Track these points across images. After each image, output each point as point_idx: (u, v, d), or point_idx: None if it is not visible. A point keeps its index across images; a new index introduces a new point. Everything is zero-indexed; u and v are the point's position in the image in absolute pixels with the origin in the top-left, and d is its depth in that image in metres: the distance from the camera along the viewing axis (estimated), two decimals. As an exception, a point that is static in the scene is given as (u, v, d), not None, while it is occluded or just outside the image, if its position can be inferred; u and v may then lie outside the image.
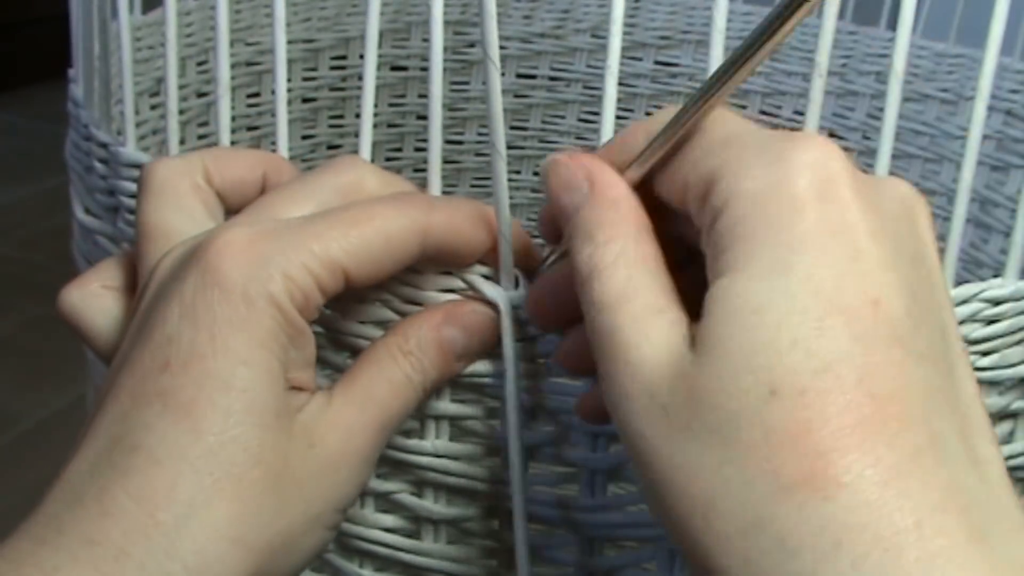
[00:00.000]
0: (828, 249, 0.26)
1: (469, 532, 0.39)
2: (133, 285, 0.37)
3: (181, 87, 0.73)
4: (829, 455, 0.25)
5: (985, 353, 0.36)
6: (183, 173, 0.36)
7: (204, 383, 0.30)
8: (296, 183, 0.36)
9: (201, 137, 0.77)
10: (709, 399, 0.26)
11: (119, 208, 0.45)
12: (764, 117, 0.92)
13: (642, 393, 0.28)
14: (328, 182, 0.35)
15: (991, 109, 0.78)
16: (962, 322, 0.35)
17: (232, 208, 0.37)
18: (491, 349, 0.36)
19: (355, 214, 0.33)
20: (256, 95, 0.83)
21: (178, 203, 0.36)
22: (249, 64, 0.82)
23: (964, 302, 0.35)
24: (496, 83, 0.32)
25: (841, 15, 0.87)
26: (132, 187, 0.44)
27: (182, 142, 0.72)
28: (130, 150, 0.44)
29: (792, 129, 0.29)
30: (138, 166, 0.43)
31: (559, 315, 0.34)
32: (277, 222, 0.33)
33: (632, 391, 0.28)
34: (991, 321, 0.36)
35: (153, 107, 0.68)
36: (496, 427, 0.37)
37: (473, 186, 0.99)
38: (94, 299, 0.36)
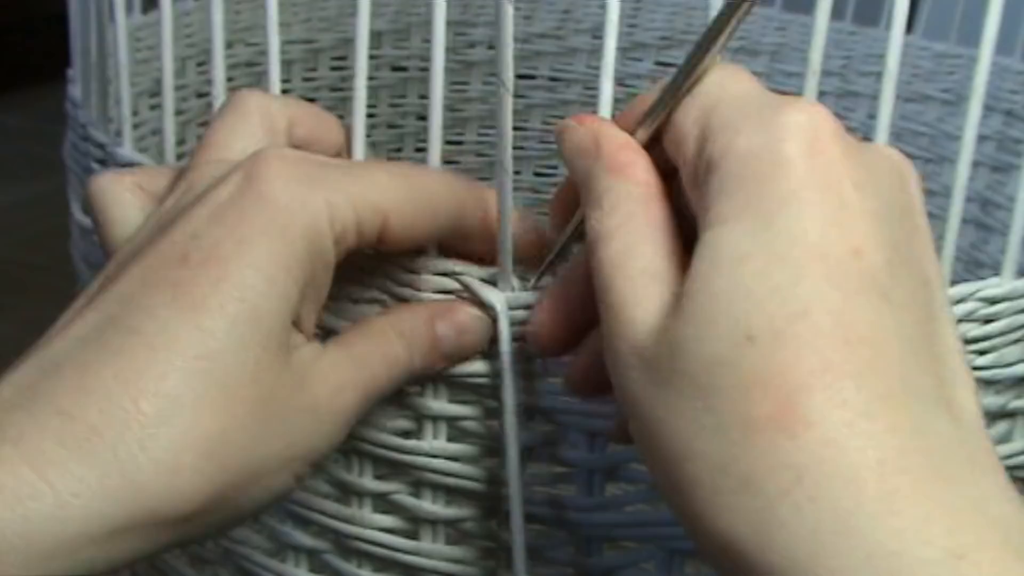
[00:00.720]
0: (814, 201, 0.27)
1: (467, 532, 0.39)
2: None
3: (181, 87, 0.73)
4: (797, 396, 0.25)
5: (982, 352, 0.36)
6: (268, 112, 0.36)
7: (220, 285, 0.29)
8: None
9: (200, 138, 0.77)
10: (687, 346, 0.27)
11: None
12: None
13: (631, 351, 0.29)
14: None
15: (991, 110, 0.78)
16: (959, 321, 0.36)
17: None
18: (477, 353, 0.37)
19: (407, 169, 0.33)
20: (256, 95, 0.83)
21: (251, 135, 0.35)
22: (249, 64, 0.82)
23: (961, 301, 0.35)
24: (508, 110, 0.32)
25: (841, 15, 0.87)
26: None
27: (182, 142, 0.72)
28: (127, 151, 0.44)
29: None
30: (136, 166, 0.44)
31: (569, 334, 0.34)
32: (328, 158, 0.33)
33: (622, 350, 0.29)
34: (988, 320, 0.36)
35: (152, 108, 0.68)
36: (494, 427, 0.38)
37: (473, 187, 0.99)
38: (126, 192, 0.35)
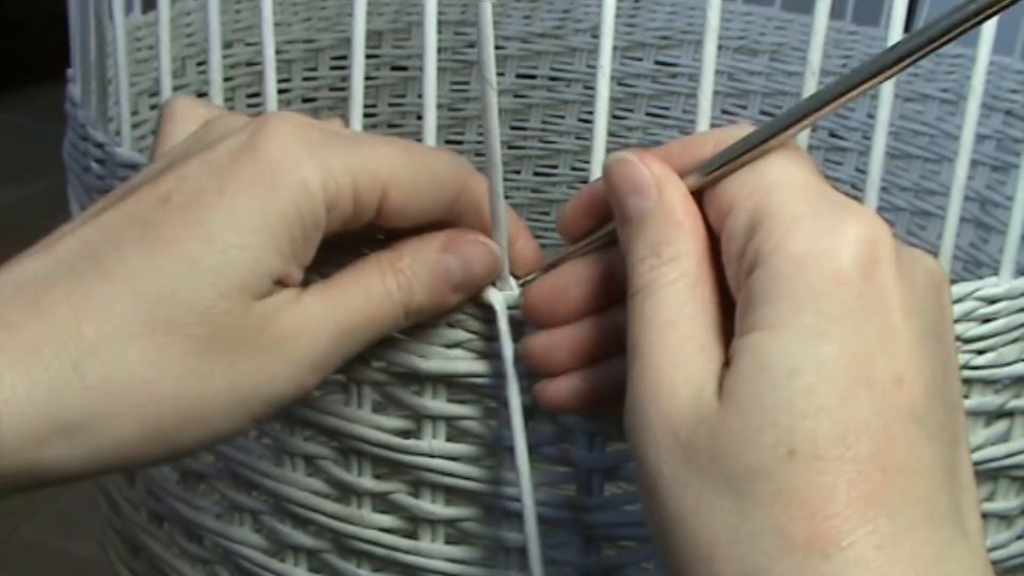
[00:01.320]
0: (864, 324, 0.28)
1: (467, 532, 0.39)
2: None
3: (181, 87, 0.73)
4: (833, 520, 0.26)
5: (981, 352, 0.37)
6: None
7: (190, 231, 0.30)
8: None
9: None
10: (729, 449, 0.27)
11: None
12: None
13: (665, 427, 0.29)
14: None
15: (991, 109, 0.78)
16: (957, 320, 0.36)
17: None
18: (489, 284, 0.36)
19: (411, 145, 0.33)
20: (256, 95, 0.83)
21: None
22: (249, 64, 0.82)
23: (959, 300, 0.35)
24: (493, 107, 0.32)
25: (841, 15, 0.87)
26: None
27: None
28: (126, 150, 0.44)
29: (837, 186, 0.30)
30: (134, 166, 0.44)
31: (564, 312, 0.34)
32: (336, 129, 0.33)
33: (656, 422, 0.29)
34: (987, 319, 0.36)
35: (152, 107, 0.68)
36: (493, 427, 0.38)
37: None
38: (195, 120, 0.36)
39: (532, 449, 0.37)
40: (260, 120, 0.32)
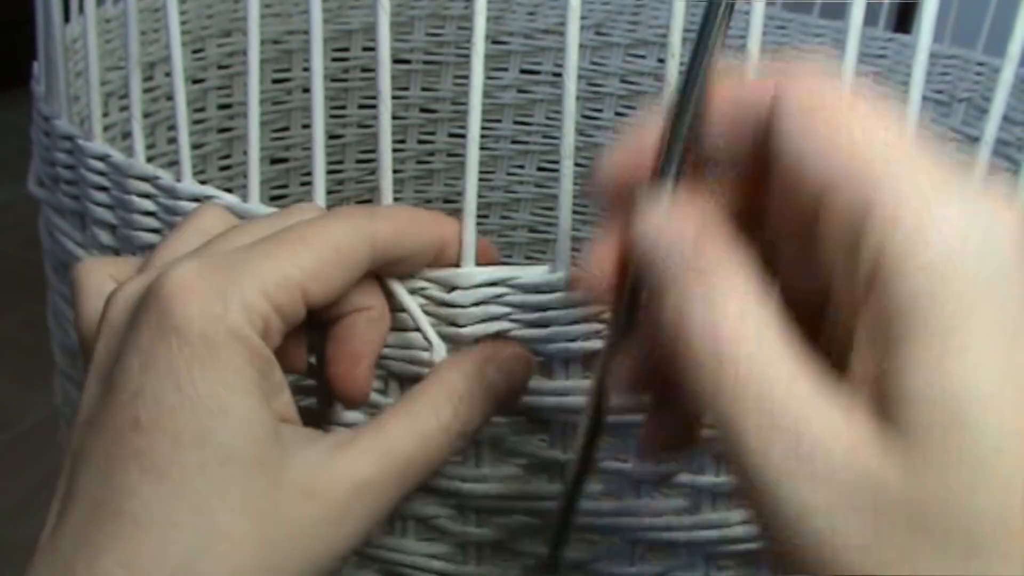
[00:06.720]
0: None
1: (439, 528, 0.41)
2: None
3: (151, 90, 0.76)
4: None
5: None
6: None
7: (178, 439, 0.30)
8: (254, 221, 0.36)
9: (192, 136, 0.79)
10: (937, 516, 0.23)
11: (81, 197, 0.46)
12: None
13: (825, 486, 0.24)
14: (283, 222, 0.35)
15: (982, 111, 0.80)
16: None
17: None
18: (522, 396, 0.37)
19: (301, 230, 0.33)
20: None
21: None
22: (246, 52, 0.85)
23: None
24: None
25: (839, 15, 0.89)
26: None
27: (152, 142, 0.75)
28: (97, 144, 0.45)
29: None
30: (104, 158, 0.45)
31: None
32: (227, 252, 0.33)
33: (811, 482, 0.24)
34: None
35: (122, 109, 0.70)
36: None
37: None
38: (98, 285, 0.36)
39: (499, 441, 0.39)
40: (158, 287, 0.31)
